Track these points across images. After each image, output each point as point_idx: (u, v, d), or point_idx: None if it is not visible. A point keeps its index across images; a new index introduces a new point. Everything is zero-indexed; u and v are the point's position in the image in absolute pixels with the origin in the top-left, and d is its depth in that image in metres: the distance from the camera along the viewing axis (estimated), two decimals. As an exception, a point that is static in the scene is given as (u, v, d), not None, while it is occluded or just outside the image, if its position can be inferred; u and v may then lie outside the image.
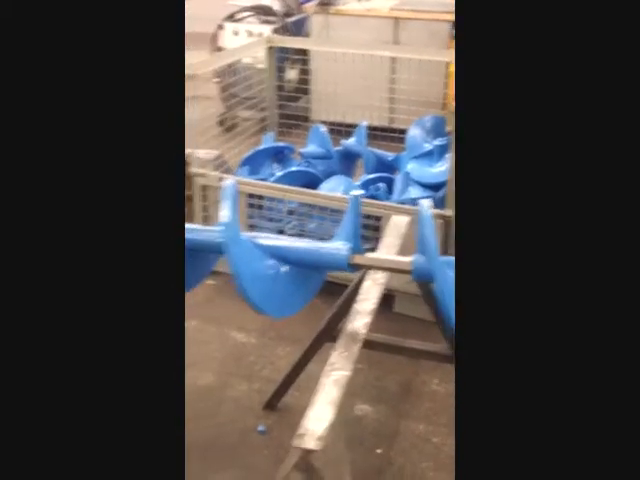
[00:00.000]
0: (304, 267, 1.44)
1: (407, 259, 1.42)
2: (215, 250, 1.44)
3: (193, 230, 1.46)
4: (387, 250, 1.75)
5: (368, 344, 1.47)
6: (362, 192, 2.82)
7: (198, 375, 2.40)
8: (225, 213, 1.28)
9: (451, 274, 1.28)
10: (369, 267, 1.59)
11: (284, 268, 1.41)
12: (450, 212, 2.45)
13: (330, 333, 1.96)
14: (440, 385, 2.37)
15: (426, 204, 1.34)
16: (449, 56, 3.44)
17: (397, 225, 1.91)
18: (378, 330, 1.89)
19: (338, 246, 1.41)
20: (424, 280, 1.53)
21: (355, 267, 1.43)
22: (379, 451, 2.09)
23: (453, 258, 1.22)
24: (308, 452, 1.13)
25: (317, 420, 1.20)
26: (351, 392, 1.30)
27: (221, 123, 4.32)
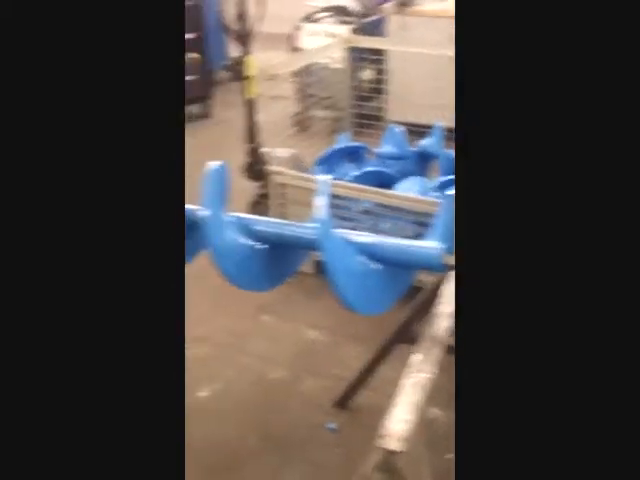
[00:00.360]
0: (395, 265, 1.42)
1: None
2: (306, 246, 1.45)
3: (282, 226, 1.46)
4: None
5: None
6: None
7: (269, 369, 2.44)
8: (320, 209, 1.28)
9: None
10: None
11: (374, 265, 1.40)
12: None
13: (404, 335, 1.96)
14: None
15: None
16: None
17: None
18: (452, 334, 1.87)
19: (432, 245, 1.40)
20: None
21: (449, 268, 1.41)
22: (449, 456, 2.07)
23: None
24: (391, 453, 1.14)
25: (399, 421, 1.20)
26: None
27: (297, 122, 4.37)
